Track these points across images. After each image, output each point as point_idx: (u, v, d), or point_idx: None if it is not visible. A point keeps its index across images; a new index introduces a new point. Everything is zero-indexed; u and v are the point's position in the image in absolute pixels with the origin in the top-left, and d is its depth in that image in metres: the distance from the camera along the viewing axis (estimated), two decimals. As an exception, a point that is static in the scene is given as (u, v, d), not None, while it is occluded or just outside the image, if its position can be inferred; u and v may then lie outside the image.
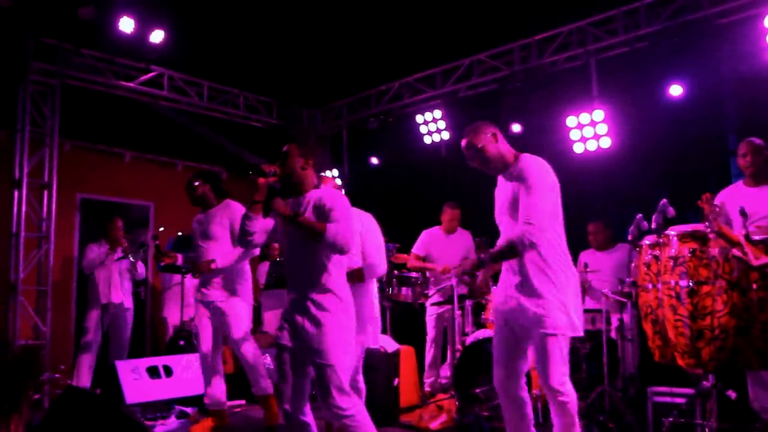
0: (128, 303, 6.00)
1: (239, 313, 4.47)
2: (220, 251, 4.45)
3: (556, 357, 2.90)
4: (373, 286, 4.13)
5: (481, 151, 3.04)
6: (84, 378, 5.66)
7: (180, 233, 6.13)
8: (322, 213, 3.03)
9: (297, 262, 3.08)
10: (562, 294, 2.96)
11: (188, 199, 4.66)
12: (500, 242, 3.05)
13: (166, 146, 7.98)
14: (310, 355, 3.00)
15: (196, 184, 4.58)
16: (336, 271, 3.07)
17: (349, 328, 3.06)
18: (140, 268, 6.03)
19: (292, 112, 8.39)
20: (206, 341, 4.45)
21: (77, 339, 6.12)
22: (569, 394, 2.96)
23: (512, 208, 3.00)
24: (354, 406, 2.98)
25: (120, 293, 5.88)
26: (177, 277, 6.49)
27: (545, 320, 2.91)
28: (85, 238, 6.61)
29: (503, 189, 3.11)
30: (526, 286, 2.97)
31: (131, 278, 6.03)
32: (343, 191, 4.70)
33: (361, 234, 3.95)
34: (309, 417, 3.06)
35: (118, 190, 7.59)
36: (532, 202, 2.92)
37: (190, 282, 6.43)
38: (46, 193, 6.13)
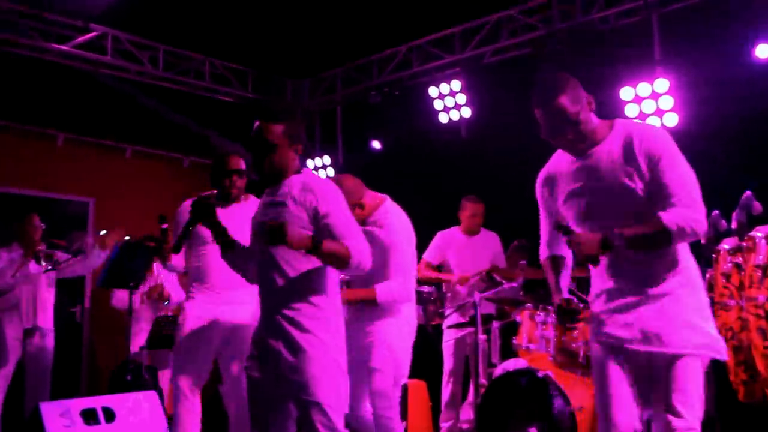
0: (50, 330, 5.94)
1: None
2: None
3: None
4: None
5: (574, 117, 2.80)
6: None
7: (127, 237, 6.05)
8: (310, 210, 2.97)
9: (269, 274, 3.02)
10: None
11: (214, 182, 4.48)
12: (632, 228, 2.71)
13: (110, 127, 7.97)
14: (291, 390, 2.93)
15: (235, 161, 4.35)
16: (321, 279, 3.01)
17: (339, 354, 2.99)
18: (98, 259, 5.92)
19: (272, 84, 8.37)
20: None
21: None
22: None
23: (611, 192, 2.80)
24: None
25: (44, 317, 5.84)
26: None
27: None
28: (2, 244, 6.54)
29: (584, 170, 2.89)
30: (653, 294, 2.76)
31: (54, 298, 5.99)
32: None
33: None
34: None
35: (47, 183, 7.58)
36: (684, 179, 2.72)
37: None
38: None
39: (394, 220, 4.09)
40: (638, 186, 2.75)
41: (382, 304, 3.82)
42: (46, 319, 5.86)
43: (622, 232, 2.65)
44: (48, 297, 5.92)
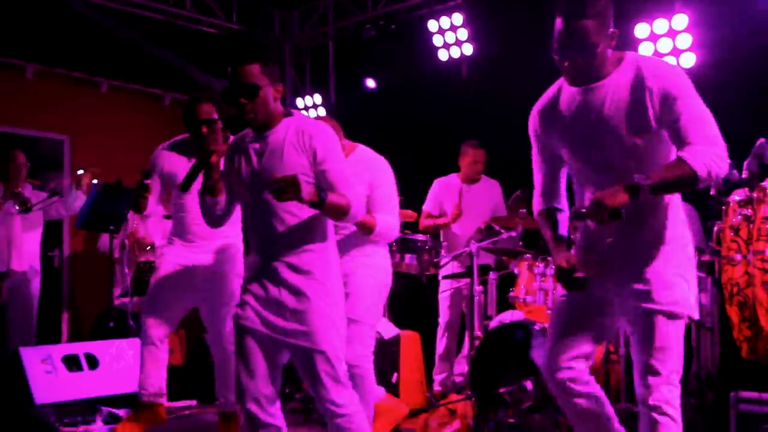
0: (35, 272, 6.08)
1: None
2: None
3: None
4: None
5: (594, 45, 2.73)
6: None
7: (96, 180, 6.10)
8: (309, 154, 3.06)
9: (265, 222, 3.12)
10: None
11: (187, 128, 4.54)
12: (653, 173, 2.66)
13: (84, 59, 7.92)
14: (292, 339, 3.06)
15: (206, 108, 4.39)
16: (320, 226, 3.13)
17: (339, 297, 3.14)
18: (78, 200, 6.02)
19: (259, 14, 8.33)
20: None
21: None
22: None
23: (614, 132, 2.81)
24: (351, 403, 3.08)
25: (24, 257, 5.95)
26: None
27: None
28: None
29: (586, 105, 2.87)
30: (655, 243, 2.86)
31: (41, 237, 6.09)
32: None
33: (370, 186, 4.03)
34: (278, 419, 3.16)
35: (17, 118, 7.56)
36: (704, 119, 2.69)
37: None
38: None
39: (378, 161, 4.18)
40: (645, 127, 2.76)
41: (376, 236, 3.88)
42: (21, 262, 5.94)
43: (647, 177, 2.60)
44: (25, 239, 5.99)
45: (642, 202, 2.68)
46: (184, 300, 4.56)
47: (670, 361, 2.77)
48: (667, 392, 2.76)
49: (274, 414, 3.14)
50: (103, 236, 6.81)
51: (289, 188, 2.81)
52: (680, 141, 2.69)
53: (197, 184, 3.33)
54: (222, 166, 3.24)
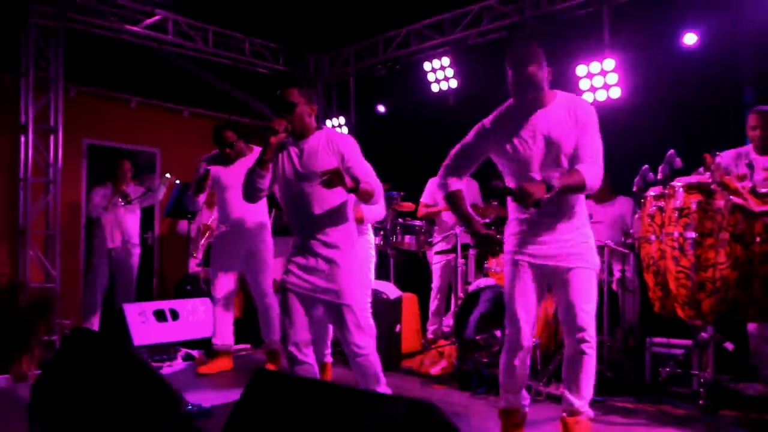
0: (135, 247, 6.06)
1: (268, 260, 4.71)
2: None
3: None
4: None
5: (540, 83, 2.87)
6: (92, 320, 5.77)
7: (178, 181, 6.09)
8: (336, 157, 3.04)
9: (304, 209, 3.07)
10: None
11: (213, 138, 4.67)
12: (560, 177, 2.76)
13: (171, 92, 7.91)
14: (325, 296, 3.03)
15: (229, 134, 4.60)
16: (345, 209, 3.10)
17: (362, 264, 3.13)
18: (160, 192, 6.07)
19: (298, 58, 8.26)
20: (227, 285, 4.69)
21: (85, 283, 6.21)
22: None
23: (549, 145, 2.88)
24: (370, 345, 3.07)
25: (127, 238, 5.95)
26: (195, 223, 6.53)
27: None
28: (92, 184, 6.64)
29: (530, 126, 2.92)
30: (566, 226, 2.94)
31: (140, 222, 6.09)
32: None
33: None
34: (311, 358, 3.12)
35: (124, 136, 7.57)
36: (598, 145, 2.88)
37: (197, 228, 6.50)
38: (52, 137, 6.11)
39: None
40: (569, 143, 2.86)
41: (367, 222, 3.77)
42: (129, 239, 5.98)
43: (559, 180, 2.69)
44: (128, 223, 5.99)
45: (569, 197, 2.87)
46: (233, 270, 4.67)
47: (594, 303, 2.95)
48: (592, 328, 2.95)
49: (309, 355, 3.12)
50: (181, 222, 6.77)
51: (335, 178, 2.81)
52: (579, 157, 2.85)
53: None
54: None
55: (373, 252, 4.53)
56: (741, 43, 5.44)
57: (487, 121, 3.09)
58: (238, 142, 4.60)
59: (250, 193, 3.16)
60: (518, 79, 2.85)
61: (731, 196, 3.30)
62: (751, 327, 4.07)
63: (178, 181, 5.94)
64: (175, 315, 5.17)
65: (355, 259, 3.11)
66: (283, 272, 3.17)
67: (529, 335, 2.98)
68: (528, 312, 2.96)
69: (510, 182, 3.03)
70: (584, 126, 2.86)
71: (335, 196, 3.02)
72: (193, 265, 6.36)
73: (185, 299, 5.45)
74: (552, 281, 3.00)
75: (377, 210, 4.13)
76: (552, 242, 2.93)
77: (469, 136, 3.13)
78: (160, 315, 5.10)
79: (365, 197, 3.03)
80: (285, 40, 7.94)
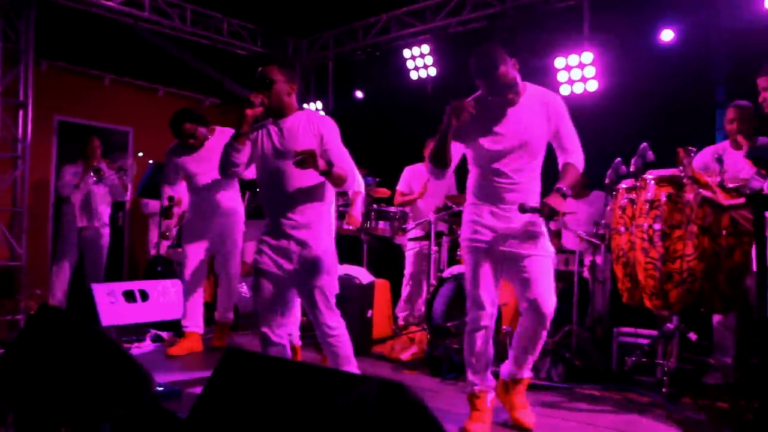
0: (105, 227, 5.99)
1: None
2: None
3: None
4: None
5: (512, 81, 2.94)
6: (59, 299, 5.69)
7: (151, 161, 6.03)
8: (315, 138, 3.02)
9: (279, 188, 3.04)
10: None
11: (172, 130, 4.62)
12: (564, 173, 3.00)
13: (146, 71, 7.78)
14: (297, 277, 3.01)
15: (188, 126, 4.55)
16: (320, 189, 3.08)
17: (332, 247, 3.11)
18: (128, 188, 5.99)
19: (277, 41, 8.17)
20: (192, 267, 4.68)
21: (53, 261, 6.11)
22: None
23: (526, 134, 2.96)
24: (341, 325, 3.07)
25: (97, 217, 5.86)
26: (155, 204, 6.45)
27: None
28: (62, 161, 6.52)
29: (508, 114, 2.99)
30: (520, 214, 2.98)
31: (111, 201, 6.00)
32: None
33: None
34: (284, 340, 3.11)
35: (97, 114, 7.43)
36: (575, 135, 3.04)
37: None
38: (21, 112, 5.95)
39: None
40: (544, 135, 2.99)
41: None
42: (99, 219, 5.91)
43: (567, 186, 2.89)
44: (98, 201, 5.90)
45: (530, 185, 3.04)
46: (203, 252, 4.70)
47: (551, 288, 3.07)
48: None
49: (282, 336, 3.10)
50: (150, 202, 6.68)
51: (309, 159, 2.78)
52: (562, 148, 3.03)
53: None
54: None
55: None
56: (715, 43, 5.54)
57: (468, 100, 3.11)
58: (197, 130, 4.56)
59: (225, 168, 3.11)
60: (492, 83, 2.90)
61: (701, 190, 3.36)
62: (716, 319, 4.16)
63: (151, 161, 5.86)
64: (144, 296, 5.11)
65: (327, 240, 3.09)
66: (255, 252, 3.15)
67: (490, 316, 3.06)
68: (489, 293, 3.04)
69: (474, 171, 3.12)
70: (559, 117, 2.98)
71: (311, 177, 3.00)
72: (165, 247, 6.29)
73: (156, 280, 5.40)
74: (508, 266, 3.06)
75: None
76: (508, 228, 3.02)
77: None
78: (129, 295, 5.04)
79: (337, 182, 3.01)
80: (264, 22, 7.84)
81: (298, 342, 4.28)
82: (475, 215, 3.08)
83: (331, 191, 3.16)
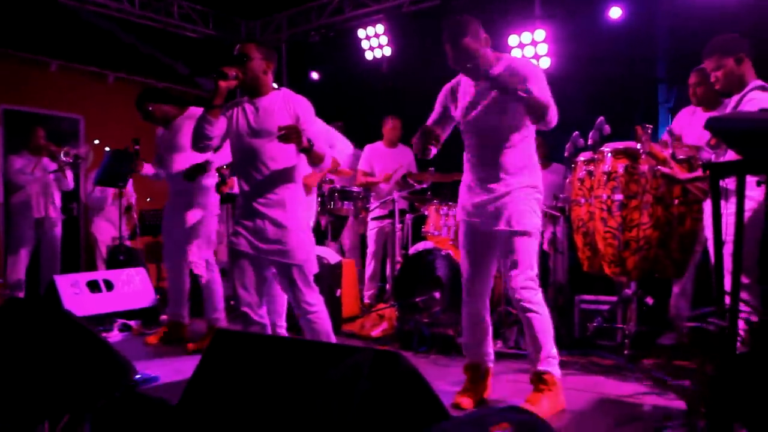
0: (58, 216, 5.87)
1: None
2: (190, 161, 4.28)
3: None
4: None
5: (475, 53, 2.92)
6: (17, 293, 5.55)
7: (107, 148, 5.89)
8: (291, 118, 3.01)
9: (254, 166, 3.04)
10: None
11: (140, 116, 4.47)
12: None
13: (95, 56, 7.56)
14: (275, 257, 3.03)
15: (151, 108, 4.38)
16: (294, 170, 3.10)
17: (308, 224, 3.14)
18: (69, 178, 5.84)
19: (229, 23, 8.04)
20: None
21: (6, 254, 5.93)
22: None
23: (498, 104, 2.94)
24: (320, 301, 3.11)
25: (54, 207, 5.75)
26: (110, 193, 6.32)
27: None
28: (9, 151, 6.29)
29: (480, 89, 3.00)
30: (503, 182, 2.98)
31: (60, 190, 5.87)
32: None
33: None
34: (265, 319, 3.14)
35: (45, 102, 7.20)
36: (547, 91, 2.92)
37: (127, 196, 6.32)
38: (-36, 101, 5.76)
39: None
40: (513, 106, 2.91)
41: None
42: (55, 210, 5.78)
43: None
44: (55, 193, 5.79)
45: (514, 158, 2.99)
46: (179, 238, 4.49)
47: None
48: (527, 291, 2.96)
49: (263, 316, 3.13)
50: (92, 193, 6.52)
51: (293, 134, 2.80)
52: None
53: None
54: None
55: (313, 217, 4.55)
56: (657, 22, 5.74)
57: (448, 84, 3.19)
58: (161, 108, 4.42)
59: (197, 140, 3.06)
60: (456, 53, 2.93)
61: (659, 166, 3.52)
62: (675, 289, 4.38)
63: (107, 149, 5.73)
64: (109, 285, 5.04)
65: (303, 219, 3.12)
66: (231, 234, 3.15)
67: (485, 289, 3.13)
68: (477, 265, 3.09)
69: (467, 141, 3.12)
70: (532, 81, 2.88)
71: (286, 157, 3.01)
72: (128, 235, 6.19)
73: (119, 269, 5.31)
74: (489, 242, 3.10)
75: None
76: (485, 203, 3.02)
77: (437, 104, 3.20)
78: (93, 286, 4.95)
79: (316, 160, 3.03)
80: (215, 4, 7.71)
81: (284, 332, 4.26)
82: (463, 188, 3.19)
83: (302, 171, 3.18)
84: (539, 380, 2.95)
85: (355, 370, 1.71)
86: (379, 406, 1.63)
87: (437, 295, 4.34)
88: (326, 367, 1.75)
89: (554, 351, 2.96)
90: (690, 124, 3.93)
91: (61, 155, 5.62)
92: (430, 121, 3.17)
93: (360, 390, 1.65)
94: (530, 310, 2.93)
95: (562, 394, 2.96)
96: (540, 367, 2.94)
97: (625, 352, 3.84)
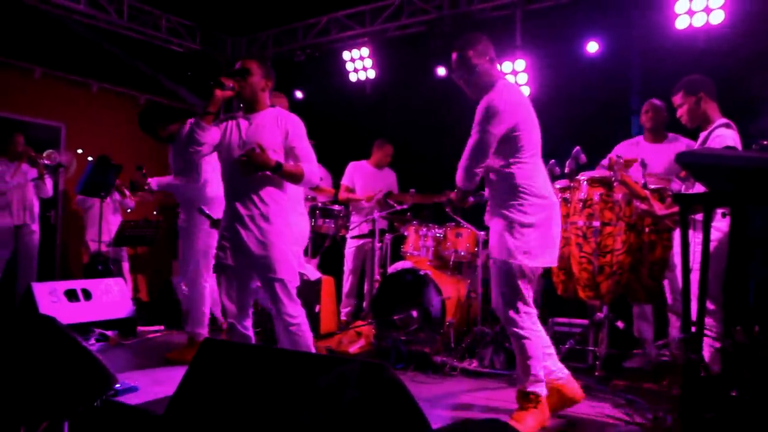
0: (36, 224, 5.85)
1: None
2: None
3: None
4: None
5: (472, 66, 3.05)
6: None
7: (90, 158, 5.89)
8: (281, 134, 3.09)
9: (240, 180, 3.09)
10: None
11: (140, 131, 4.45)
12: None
13: (79, 65, 7.52)
14: (259, 271, 3.08)
15: (162, 134, 4.38)
16: (278, 185, 3.15)
17: (291, 238, 3.18)
18: (49, 185, 5.81)
19: (216, 39, 8.10)
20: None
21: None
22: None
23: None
24: (301, 314, 3.14)
25: (31, 215, 5.74)
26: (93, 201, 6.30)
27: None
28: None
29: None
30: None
31: (38, 198, 5.84)
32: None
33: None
34: (250, 331, 3.18)
35: (26, 108, 7.13)
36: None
37: (108, 206, 6.31)
38: (-56, 106, 5.72)
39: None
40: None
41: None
42: (33, 217, 5.75)
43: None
44: (34, 200, 5.76)
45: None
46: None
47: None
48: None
49: (248, 328, 3.18)
50: (78, 197, 6.52)
51: (252, 159, 2.94)
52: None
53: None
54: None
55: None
56: (631, 57, 5.99)
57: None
58: (166, 127, 4.44)
59: (188, 145, 3.11)
60: (457, 60, 3.09)
61: (637, 203, 3.68)
62: (635, 311, 4.53)
63: (90, 158, 5.73)
64: (87, 295, 5.00)
65: (288, 233, 3.14)
66: (216, 248, 3.20)
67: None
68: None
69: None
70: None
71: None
72: (103, 245, 6.15)
73: (98, 279, 5.28)
74: None
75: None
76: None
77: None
78: (71, 295, 4.92)
79: (291, 179, 3.08)
80: (203, 20, 7.76)
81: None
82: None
83: (291, 186, 3.24)
84: (525, 399, 3.03)
85: (343, 379, 1.76)
86: (366, 414, 1.68)
87: (415, 313, 4.42)
88: (315, 376, 1.80)
89: (542, 373, 3.05)
90: (637, 154, 4.07)
91: (44, 158, 5.61)
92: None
93: (347, 398, 1.71)
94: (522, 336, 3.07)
95: (547, 412, 3.04)
96: (528, 388, 3.02)
97: (596, 373, 3.95)
